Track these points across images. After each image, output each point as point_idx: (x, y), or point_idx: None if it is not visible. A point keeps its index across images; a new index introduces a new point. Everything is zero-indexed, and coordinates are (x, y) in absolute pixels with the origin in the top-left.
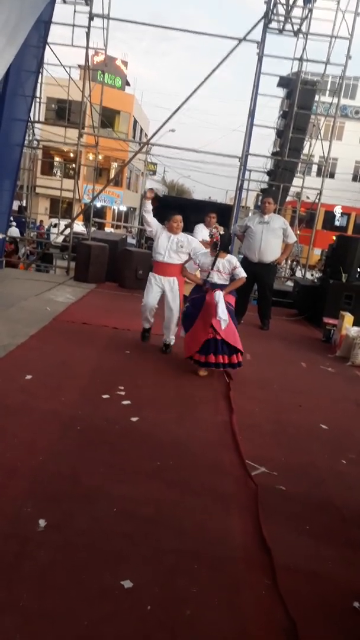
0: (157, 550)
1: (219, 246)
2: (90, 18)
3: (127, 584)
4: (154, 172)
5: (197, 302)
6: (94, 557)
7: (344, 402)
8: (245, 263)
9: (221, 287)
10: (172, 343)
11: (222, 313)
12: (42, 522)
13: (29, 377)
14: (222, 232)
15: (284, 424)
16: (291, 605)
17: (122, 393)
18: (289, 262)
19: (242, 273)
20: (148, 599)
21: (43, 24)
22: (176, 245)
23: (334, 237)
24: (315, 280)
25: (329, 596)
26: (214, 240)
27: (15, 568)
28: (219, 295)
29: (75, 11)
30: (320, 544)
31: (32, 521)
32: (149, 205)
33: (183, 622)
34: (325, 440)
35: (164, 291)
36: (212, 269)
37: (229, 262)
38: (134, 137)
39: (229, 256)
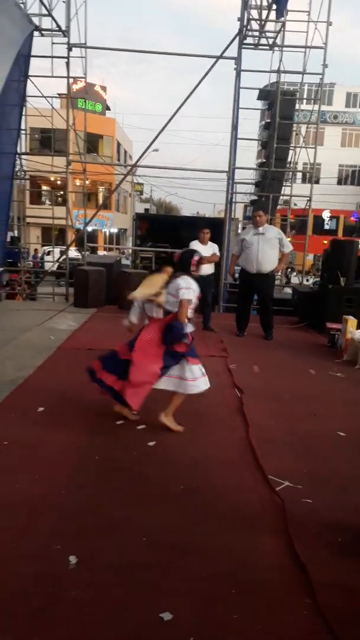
0: (192, 579)
1: (178, 268)
2: (69, 49)
3: (167, 616)
4: (141, 192)
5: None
6: (128, 592)
7: (357, 407)
8: (244, 275)
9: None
10: None
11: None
12: (72, 559)
13: (41, 409)
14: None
15: (301, 435)
16: (335, 623)
17: (136, 417)
18: (283, 269)
19: (180, 295)
20: (189, 630)
21: (23, 58)
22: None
23: (325, 242)
24: (312, 286)
25: None
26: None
27: (51, 610)
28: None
29: (52, 43)
30: (354, 554)
31: (62, 559)
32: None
33: None
34: (345, 447)
35: None
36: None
37: (176, 284)
38: (118, 159)
39: (182, 277)
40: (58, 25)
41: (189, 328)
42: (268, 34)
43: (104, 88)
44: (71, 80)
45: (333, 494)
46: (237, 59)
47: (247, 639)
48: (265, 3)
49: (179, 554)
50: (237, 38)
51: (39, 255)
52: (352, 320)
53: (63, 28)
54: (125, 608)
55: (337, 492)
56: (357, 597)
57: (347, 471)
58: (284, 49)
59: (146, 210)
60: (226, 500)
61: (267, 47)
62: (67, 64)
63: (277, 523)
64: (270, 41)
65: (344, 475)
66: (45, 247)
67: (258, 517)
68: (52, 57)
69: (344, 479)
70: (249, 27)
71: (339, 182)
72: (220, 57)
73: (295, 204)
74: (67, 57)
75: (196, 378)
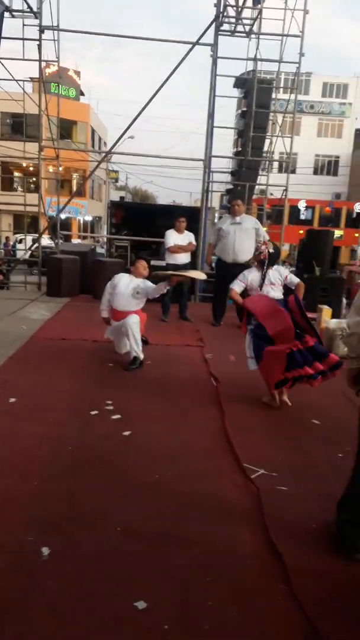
0: (167, 567)
1: (267, 263)
2: (41, 31)
3: (141, 604)
4: (116, 180)
5: (257, 330)
6: (103, 581)
7: (331, 395)
8: (220, 264)
9: (277, 300)
10: (140, 357)
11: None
12: (45, 551)
13: (12, 400)
14: (271, 250)
15: (276, 423)
16: (309, 608)
17: (111, 407)
18: None
19: (295, 279)
20: (164, 618)
21: None
22: (133, 291)
23: (301, 232)
24: None
25: (347, 595)
26: (262, 257)
27: (26, 601)
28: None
29: (24, 24)
30: (327, 540)
31: (35, 551)
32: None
33: (202, 637)
34: (319, 435)
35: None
36: (263, 283)
37: (278, 272)
38: (92, 146)
39: (276, 266)
40: (29, 6)
41: None
42: (245, 21)
43: (77, 73)
44: (43, 63)
45: (307, 481)
46: (214, 46)
47: (221, 624)
48: None
49: (154, 543)
50: (214, 24)
51: (10, 243)
52: (327, 310)
53: (34, 9)
54: (100, 598)
55: (312, 479)
56: (328, 581)
57: (321, 459)
58: (261, 36)
59: (121, 198)
60: (202, 488)
61: (244, 35)
62: (39, 46)
63: (253, 511)
64: (247, 28)
65: (318, 463)
66: (17, 235)
67: (234, 505)
68: (24, 39)
69: (317, 466)
70: (225, 14)
71: (315, 172)
72: (197, 43)
73: (271, 194)
74: (39, 40)
75: None
